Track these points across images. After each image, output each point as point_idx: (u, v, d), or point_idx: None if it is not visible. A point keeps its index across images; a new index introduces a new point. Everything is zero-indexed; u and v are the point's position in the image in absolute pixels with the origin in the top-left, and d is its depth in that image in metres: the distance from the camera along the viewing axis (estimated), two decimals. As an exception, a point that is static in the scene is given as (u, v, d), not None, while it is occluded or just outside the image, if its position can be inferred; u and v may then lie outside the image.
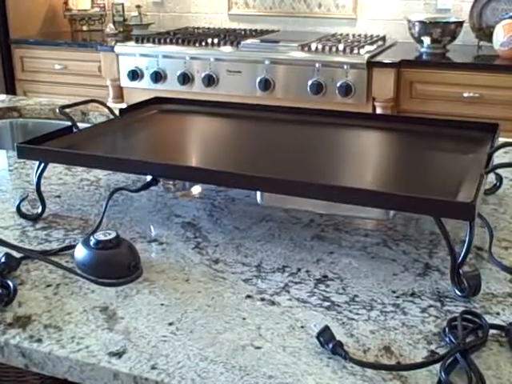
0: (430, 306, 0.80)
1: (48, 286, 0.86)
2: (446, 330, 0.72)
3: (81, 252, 0.88)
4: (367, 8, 3.08)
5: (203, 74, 2.86)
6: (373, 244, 0.96)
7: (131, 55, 3.05)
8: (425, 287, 0.84)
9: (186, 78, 2.92)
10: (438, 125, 1.17)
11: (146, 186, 1.09)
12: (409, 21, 2.74)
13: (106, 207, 1.02)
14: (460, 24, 2.68)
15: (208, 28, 3.37)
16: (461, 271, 0.81)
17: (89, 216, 1.08)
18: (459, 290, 0.81)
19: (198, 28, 3.38)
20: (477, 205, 0.82)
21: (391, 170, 1.07)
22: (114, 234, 0.87)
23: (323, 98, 2.66)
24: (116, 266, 0.86)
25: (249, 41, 2.87)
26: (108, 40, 3.27)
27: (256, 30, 3.23)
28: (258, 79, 2.75)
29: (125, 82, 3.10)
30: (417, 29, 2.69)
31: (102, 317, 0.78)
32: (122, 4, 3.50)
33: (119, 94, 3.16)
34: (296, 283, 0.86)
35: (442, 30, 2.65)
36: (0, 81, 3.51)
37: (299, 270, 0.89)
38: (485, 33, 2.72)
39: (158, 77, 2.99)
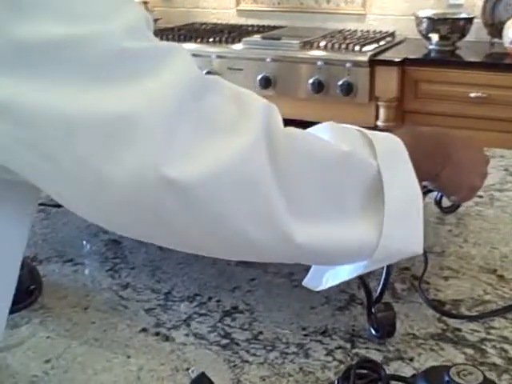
0: (339, 347, 0.72)
1: None
2: (339, 382, 0.64)
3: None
4: (377, 3, 2.96)
5: (204, 71, 2.79)
6: (301, 270, 0.87)
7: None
8: (340, 324, 0.76)
9: (187, 76, 2.85)
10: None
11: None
12: (416, 17, 2.61)
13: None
14: (470, 20, 2.54)
15: (215, 24, 3.29)
16: (373, 310, 0.72)
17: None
18: (375, 329, 0.73)
19: (205, 24, 3.31)
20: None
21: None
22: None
23: (324, 97, 2.56)
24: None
25: (251, 38, 2.79)
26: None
27: (263, 26, 3.14)
28: (259, 77, 2.67)
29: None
30: (424, 25, 2.57)
31: (-22, 351, 0.72)
32: None
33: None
34: (201, 315, 0.78)
35: (450, 27, 2.51)
36: None
37: (210, 299, 0.82)
38: (497, 29, 2.58)
39: (160, 74, 2.93)
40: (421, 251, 0.61)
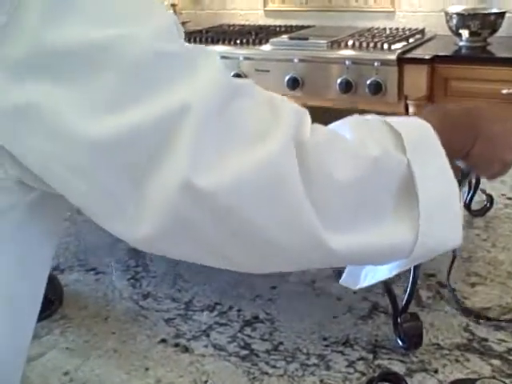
0: (361, 358, 0.70)
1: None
2: (360, 394, 0.62)
3: None
4: (406, 0, 2.91)
5: (232, 73, 2.78)
6: (323, 278, 0.86)
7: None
8: (363, 334, 0.74)
9: (215, 78, 2.85)
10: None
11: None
12: (446, 13, 2.56)
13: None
14: (501, 15, 2.48)
15: (243, 25, 3.29)
16: (399, 320, 0.70)
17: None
18: (401, 340, 0.71)
19: (233, 25, 3.30)
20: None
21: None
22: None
23: (353, 97, 2.53)
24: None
25: (277, 38, 2.77)
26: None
27: (291, 26, 3.12)
28: (287, 78, 2.65)
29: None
30: (454, 21, 2.51)
31: None
32: (159, 3, 3.46)
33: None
34: (221, 325, 0.77)
35: (481, 22, 2.46)
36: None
37: (231, 308, 0.81)
38: (531, 23, 2.52)
39: (188, 77, 2.93)
40: (460, 242, 0.58)
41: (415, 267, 0.71)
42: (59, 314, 0.81)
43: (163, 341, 0.74)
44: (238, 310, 0.80)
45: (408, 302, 0.71)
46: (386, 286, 0.72)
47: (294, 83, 2.64)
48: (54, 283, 0.83)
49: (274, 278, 0.86)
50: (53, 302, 0.81)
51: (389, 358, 0.69)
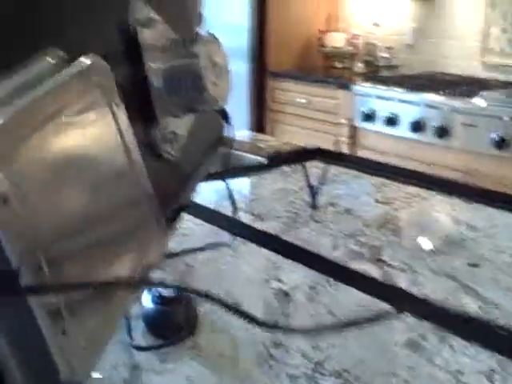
0: None
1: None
2: None
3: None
4: None
5: (435, 124, 2.69)
6: (473, 371, 0.77)
7: (368, 96, 3.00)
8: None
9: (417, 126, 2.77)
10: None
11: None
12: None
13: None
14: None
15: (455, 75, 3.16)
16: None
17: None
18: None
19: (446, 74, 3.19)
20: None
21: None
22: (174, 292, 0.83)
23: None
24: (163, 325, 0.81)
25: (490, 93, 2.62)
26: (354, 79, 3.25)
27: (509, 83, 2.93)
28: (494, 136, 2.49)
29: (359, 122, 3.06)
30: None
31: (125, 378, 0.75)
32: (374, 44, 3.47)
33: (353, 134, 3.13)
34: (344, 396, 0.72)
35: None
36: (253, 109, 3.70)
37: (358, 379, 0.75)
38: None
39: (390, 121, 2.89)
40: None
41: None
42: (192, 342, 0.82)
43: (281, 398, 0.71)
44: (367, 384, 0.74)
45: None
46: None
47: (501, 143, 2.48)
48: (189, 310, 0.84)
49: (416, 358, 0.79)
50: (182, 328, 0.82)
51: None
